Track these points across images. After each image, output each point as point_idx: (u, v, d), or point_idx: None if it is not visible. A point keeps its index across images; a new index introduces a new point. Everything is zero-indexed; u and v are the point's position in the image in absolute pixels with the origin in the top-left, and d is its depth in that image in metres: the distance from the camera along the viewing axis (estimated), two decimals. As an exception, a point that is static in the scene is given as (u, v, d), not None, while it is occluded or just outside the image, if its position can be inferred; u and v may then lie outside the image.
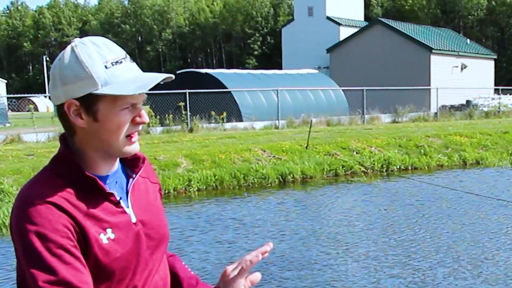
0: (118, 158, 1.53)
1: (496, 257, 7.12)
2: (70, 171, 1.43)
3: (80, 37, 1.49)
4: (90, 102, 1.40)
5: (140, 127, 1.48)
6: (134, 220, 1.49)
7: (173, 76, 1.49)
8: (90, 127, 1.42)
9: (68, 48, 1.43)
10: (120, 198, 1.49)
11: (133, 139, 1.47)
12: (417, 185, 12.39)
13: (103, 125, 1.42)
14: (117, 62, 1.41)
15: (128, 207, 1.50)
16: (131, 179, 1.55)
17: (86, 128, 1.43)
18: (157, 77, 1.43)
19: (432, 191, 11.56)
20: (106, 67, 1.39)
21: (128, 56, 1.46)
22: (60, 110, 1.44)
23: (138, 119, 1.45)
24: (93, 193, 1.43)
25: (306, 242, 8.01)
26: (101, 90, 1.38)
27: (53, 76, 1.44)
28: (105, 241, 1.41)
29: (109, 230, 1.43)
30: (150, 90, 1.43)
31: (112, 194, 1.46)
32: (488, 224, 8.83)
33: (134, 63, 1.47)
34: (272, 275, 6.54)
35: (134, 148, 1.49)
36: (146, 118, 1.47)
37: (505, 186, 12.19)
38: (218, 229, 8.84)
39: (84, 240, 1.38)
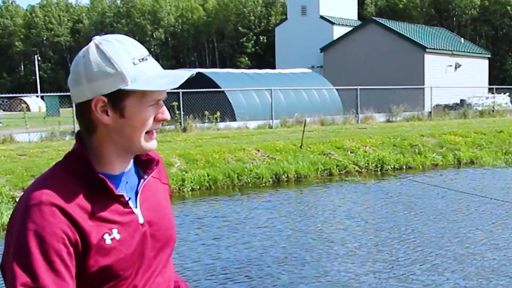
0: (132, 158, 1.55)
1: (480, 254, 7.15)
2: (81, 169, 1.44)
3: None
4: (119, 99, 1.41)
5: (161, 124, 1.50)
6: (141, 220, 1.50)
7: (195, 73, 1.52)
8: (115, 123, 1.43)
9: (92, 45, 1.43)
10: (129, 199, 1.49)
11: (152, 136, 1.49)
12: (409, 184, 12.37)
13: (129, 122, 1.43)
14: (143, 59, 1.43)
15: (136, 207, 1.51)
16: (142, 180, 1.55)
17: (110, 125, 1.43)
18: (185, 74, 1.45)
19: (424, 190, 11.51)
20: (134, 63, 1.41)
21: (150, 54, 1.48)
22: (83, 107, 1.44)
23: (160, 115, 1.47)
24: (102, 193, 1.44)
25: (291, 239, 8.02)
26: (131, 86, 1.40)
27: (76, 73, 1.43)
28: (108, 241, 1.42)
29: (115, 231, 1.44)
30: None
31: (121, 195, 1.47)
32: (475, 222, 8.84)
33: (156, 61, 1.49)
34: (254, 271, 6.52)
35: (152, 144, 1.50)
36: (167, 115, 1.49)
37: (499, 185, 12.18)
38: (204, 227, 8.81)
39: (84, 243, 1.38)
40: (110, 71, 1.39)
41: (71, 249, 1.36)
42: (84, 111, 1.44)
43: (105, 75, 1.40)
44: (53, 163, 1.51)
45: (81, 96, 1.43)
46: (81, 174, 1.44)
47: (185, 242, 7.80)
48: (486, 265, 6.66)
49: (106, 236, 1.42)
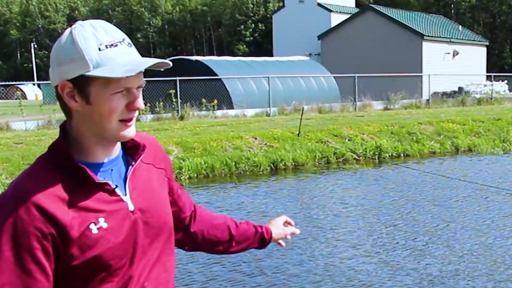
0: (118, 145, 1.52)
1: (468, 239, 7.20)
2: (62, 160, 1.43)
3: (71, 24, 1.46)
4: (82, 84, 1.39)
5: (136, 113, 1.46)
6: (131, 208, 1.48)
7: (170, 63, 1.45)
8: (83, 110, 1.41)
9: (68, 30, 1.43)
10: (116, 186, 1.47)
11: (128, 123, 1.45)
12: (406, 171, 12.36)
13: (95, 109, 1.40)
14: (112, 45, 1.39)
15: (125, 195, 1.48)
16: (130, 167, 1.53)
17: (80, 111, 1.42)
18: (148, 61, 1.41)
19: (420, 178, 11.51)
20: (99, 49, 1.38)
21: (126, 40, 1.43)
22: (57, 92, 1.44)
23: (130, 105, 1.43)
24: (85, 182, 1.42)
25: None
26: (92, 72, 1.37)
27: (51, 57, 1.45)
28: (95, 231, 1.40)
29: (101, 220, 1.41)
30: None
31: (106, 183, 1.44)
32: (467, 208, 8.87)
33: (133, 48, 1.45)
34: (239, 256, 6.51)
35: (129, 132, 1.46)
36: (140, 105, 1.44)
37: (495, 172, 12.18)
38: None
39: (64, 237, 1.37)
40: (74, 56, 1.38)
41: (48, 246, 1.36)
42: (59, 96, 1.44)
43: (70, 60, 1.39)
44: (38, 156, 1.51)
45: (54, 80, 1.44)
46: (62, 164, 1.43)
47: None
48: (474, 250, 6.70)
49: (92, 226, 1.40)
